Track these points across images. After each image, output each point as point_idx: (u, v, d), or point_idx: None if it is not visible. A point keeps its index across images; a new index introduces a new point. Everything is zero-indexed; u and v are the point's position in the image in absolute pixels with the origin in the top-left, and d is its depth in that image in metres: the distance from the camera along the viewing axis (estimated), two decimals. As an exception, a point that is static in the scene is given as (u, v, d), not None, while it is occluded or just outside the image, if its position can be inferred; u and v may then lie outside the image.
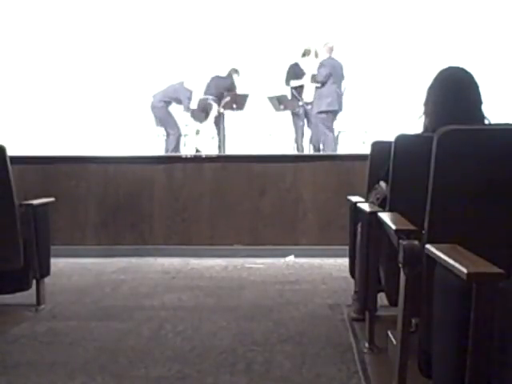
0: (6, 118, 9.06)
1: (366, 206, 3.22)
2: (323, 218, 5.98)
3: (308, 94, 8.88)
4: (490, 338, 1.66)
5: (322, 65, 8.66)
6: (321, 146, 8.62)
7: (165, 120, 9.01)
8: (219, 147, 8.93)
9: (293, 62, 9.03)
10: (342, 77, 8.75)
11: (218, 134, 9.08)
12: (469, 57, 8.05)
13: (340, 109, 8.74)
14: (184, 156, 6.57)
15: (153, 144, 9.26)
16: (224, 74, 9.24)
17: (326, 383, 2.84)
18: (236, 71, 9.25)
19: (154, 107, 9.01)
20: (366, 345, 3.22)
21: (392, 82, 9.30)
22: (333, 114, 8.68)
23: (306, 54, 9.01)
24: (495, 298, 1.63)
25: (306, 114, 8.91)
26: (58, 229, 5.50)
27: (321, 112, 8.58)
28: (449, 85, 2.82)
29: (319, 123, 8.59)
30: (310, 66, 8.90)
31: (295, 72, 8.96)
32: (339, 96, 8.67)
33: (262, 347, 3.29)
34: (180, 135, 9.02)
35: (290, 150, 8.90)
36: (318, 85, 8.61)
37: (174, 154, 8.38)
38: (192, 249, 5.99)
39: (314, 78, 8.69)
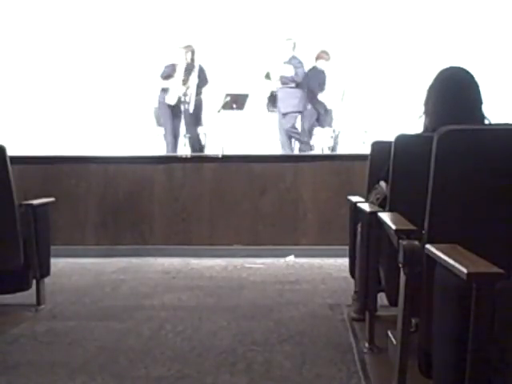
0: (6, 117, 9.06)
1: (366, 206, 3.22)
2: (323, 218, 5.98)
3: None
4: (489, 338, 1.66)
5: (299, 63, 8.45)
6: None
7: (163, 117, 8.88)
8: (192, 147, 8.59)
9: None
10: None
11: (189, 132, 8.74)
12: (469, 57, 8.05)
13: (305, 109, 8.64)
14: (184, 156, 6.58)
15: (153, 144, 9.25)
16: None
17: (325, 383, 2.84)
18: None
19: (159, 103, 8.90)
20: (366, 345, 3.22)
21: (392, 81, 9.30)
22: (298, 114, 8.56)
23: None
24: (495, 298, 1.63)
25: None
26: (58, 229, 5.51)
27: (292, 112, 8.46)
28: (449, 85, 2.82)
29: (287, 123, 8.47)
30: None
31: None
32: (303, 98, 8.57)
33: (262, 347, 3.29)
34: (174, 136, 8.84)
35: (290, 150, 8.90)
36: (293, 84, 8.43)
37: (173, 154, 8.36)
38: (192, 249, 5.99)
39: (287, 79, 8.44)
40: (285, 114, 8.50)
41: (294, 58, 8.55)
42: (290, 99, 8.48)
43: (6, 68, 9.05)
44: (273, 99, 8.81)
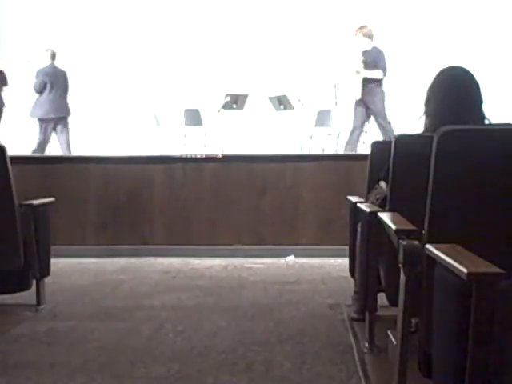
0: (7, 117, 9.05)
1: (365, 206, 3.22)
2: (323, 217, 5.98)
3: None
4: (489, 338, 1.66)
5: (36, 74, 8.58)
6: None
7: None
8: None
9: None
10: (63, 84, 8.65)
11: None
12: (469, 57, 8.05)
13: (68, 114, 8.66)
14: (184, 156, 6.58)
15: (153, 144, 9.25)
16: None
17: (325, 383, 2.84)
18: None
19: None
20: (366, 345, 3.22)
21: (392, 82, 9.30)
22: (55, 120, 8.54)
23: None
24: (495, 298, 1.64)
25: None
26: (58, 229, 5.50)
27: (39, 119, 8.53)
28: (449, 85, 2.82)
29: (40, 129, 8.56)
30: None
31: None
32: (61, 102, 8.58)
33: (262, 347, 3.29)
34: None
35: (290, 149, 8.90)
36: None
37: (174, 154, 8.35)
38: (192, 249, 5.99)
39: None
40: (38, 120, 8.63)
41: (46, 67, 8.59)
42: (36, 105, 8.59)
43: (6, 69, 9.05)
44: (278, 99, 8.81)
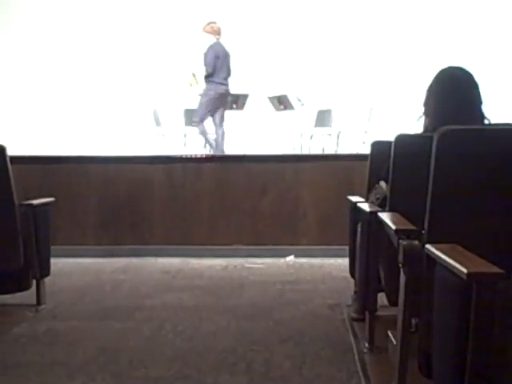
0: (6, 117, 9.05)
1: (365, 206, 3.22)
2: (323, 217, 5.98)
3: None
4: (489, 338, 1.66)
5: None
6: None
7: None
8: None
9: None
10: None
11: None
12: (469, 57, 8.05)
13: None
14: (184, 156, 6.57)
15: (153, 144, 9.25)
16: None
17: (325, 383, 2.84)
18: None
19: None
20: (366, 345, 3.22)
21: (392, 82, 9.30)
22: None
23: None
24: (495, 298, 1.64)
25: None
26: (58, 229, 5.50)
27: None
28: (448, 85, 2.82)
29: None
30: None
31: None
32: None
33: (262, 347, 3.29)
34: None
35: (290, 149, 8.90)
36: None
37: (173, 154, 8.34)
38: (192, 249, 5.99)
39: None
40: None
41: None
42: None
43: (6, 68, 9.05)
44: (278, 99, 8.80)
